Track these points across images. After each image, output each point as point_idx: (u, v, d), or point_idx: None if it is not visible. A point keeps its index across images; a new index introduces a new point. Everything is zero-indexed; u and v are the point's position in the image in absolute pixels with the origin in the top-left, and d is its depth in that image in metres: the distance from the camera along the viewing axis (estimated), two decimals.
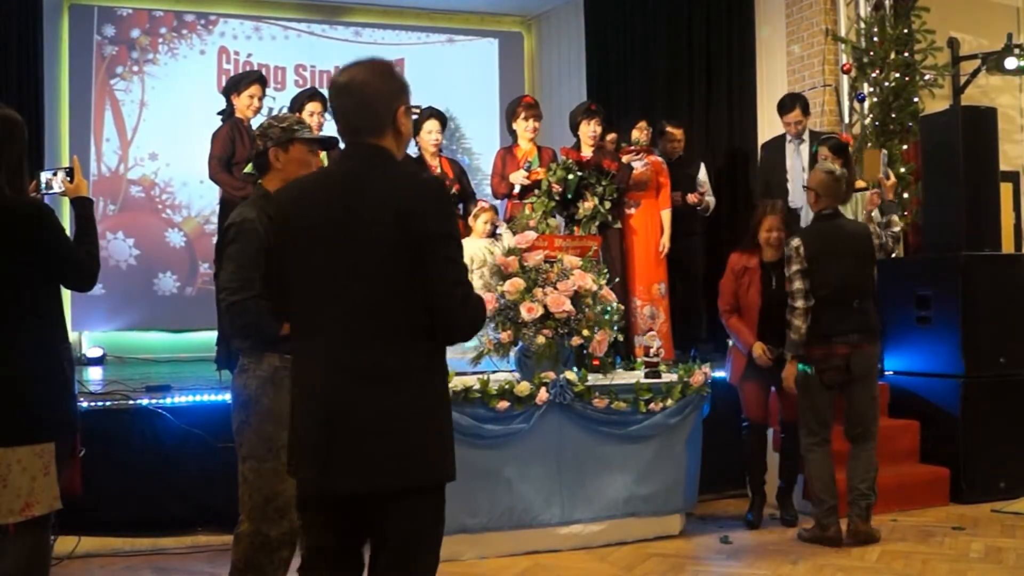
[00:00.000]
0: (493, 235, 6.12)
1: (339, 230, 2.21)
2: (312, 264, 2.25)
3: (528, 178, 6.16)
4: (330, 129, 6.45)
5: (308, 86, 7.77)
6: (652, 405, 4.87)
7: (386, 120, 2.30)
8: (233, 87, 5.88)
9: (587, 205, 6.21)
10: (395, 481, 2.15)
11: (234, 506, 3.18)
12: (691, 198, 6.75)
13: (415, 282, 2.18)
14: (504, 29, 9.63)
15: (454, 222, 2.29)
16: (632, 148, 6.51)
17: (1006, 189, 6.55)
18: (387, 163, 2.30)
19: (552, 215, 6.12)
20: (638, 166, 6.47)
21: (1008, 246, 6.62)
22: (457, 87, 8.73)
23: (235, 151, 5.67)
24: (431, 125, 6.25)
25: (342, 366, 2.18)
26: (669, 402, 4.92)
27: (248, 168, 5.61)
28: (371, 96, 2.29)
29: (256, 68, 7.84)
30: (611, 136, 6.77)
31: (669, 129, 6.97)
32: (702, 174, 6.98)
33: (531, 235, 4.91)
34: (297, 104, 5.98)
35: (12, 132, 3.06)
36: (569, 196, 6.19)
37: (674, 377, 5.02)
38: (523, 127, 6.30)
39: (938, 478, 5.62)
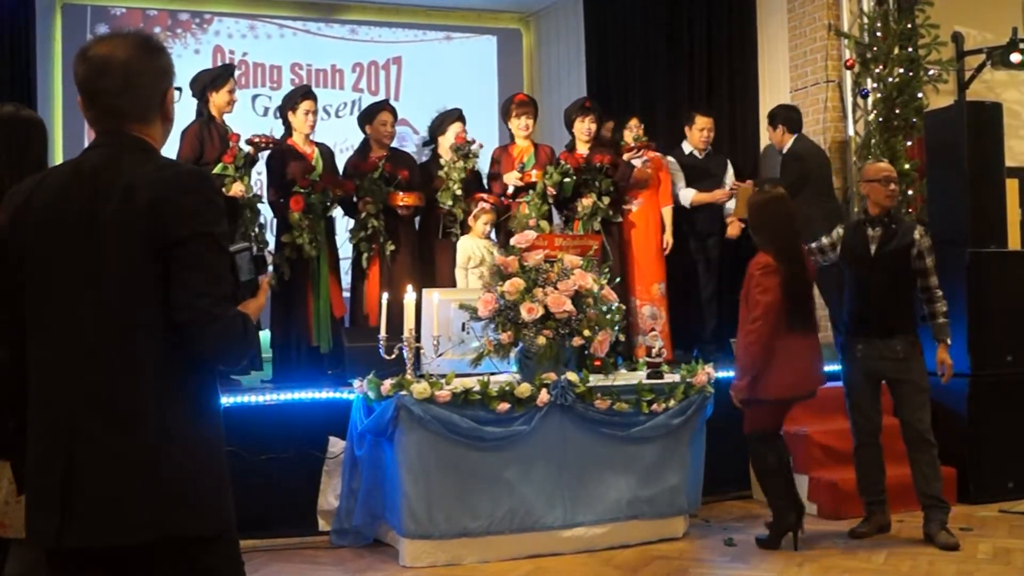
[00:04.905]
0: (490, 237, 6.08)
1: (80, 232, 1.91)
2: (49, 273, 1.94)
3: (521, 180, 6.10)
4: (325, 128, 6.39)
5: (303, 84, 7.69)
6: (655, 406, 4.82)
7: (154, 104, 2.03)
8: (211, 84, 5.62)
9: (586, 202, 6.15)
10: (131, 535, 1.86)
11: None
12: (720, 195, 6.62)
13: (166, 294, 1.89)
14: (502, 26, 9.56)
15: (214, 221, 1.94)
16: (632, 146, 6.42)
17: (1012, 185, 6.46)
18: (143, 153, 1.99)
19: (546, 218, 6.07)
20: (638, 164, 6.40)
21: (1014, 243, 6.52)
22: (455, 85, 8.63)
23: (203, 151, 5.51)
24: (457, 128, 6.22)
25: (82, 397, 1.89)
26: (672, 403, 4.86)
27: (217, 168, 5.50)
28: (137, 76, 1.98)
29: (252, 67, 7.72)
30: (608, 125, 6.69)
31: (699, 119, 6.77)
32: (729, 174, 6.84)
33: (531, 235, 4.85)
34: (291, 102, 5.90)
35: (30, 134, 3.00)
36: (566, 197, 6.14)
37: (677, 377, 4.96)
38: (516, 125, 6.26)
39: (945, 478, 5.48)
